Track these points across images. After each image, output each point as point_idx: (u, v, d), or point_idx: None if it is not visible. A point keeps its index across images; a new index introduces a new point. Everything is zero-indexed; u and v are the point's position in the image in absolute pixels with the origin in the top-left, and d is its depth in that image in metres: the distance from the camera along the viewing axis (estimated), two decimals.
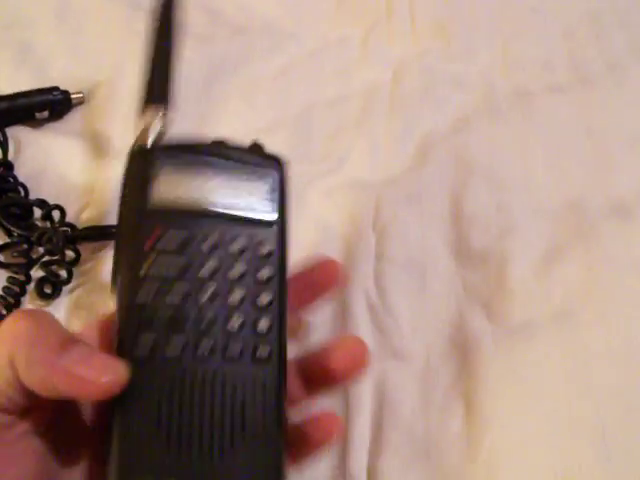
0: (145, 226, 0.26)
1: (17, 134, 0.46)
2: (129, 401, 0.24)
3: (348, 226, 0.44)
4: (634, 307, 0.42)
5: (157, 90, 0.32)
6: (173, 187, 0.27)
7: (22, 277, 0.40)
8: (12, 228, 0.41)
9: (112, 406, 0.24)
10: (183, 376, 0.25)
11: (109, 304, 0.27)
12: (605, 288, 0.42)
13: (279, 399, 0.26)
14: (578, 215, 0.45)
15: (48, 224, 0.42)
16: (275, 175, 0.29)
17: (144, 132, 0.30)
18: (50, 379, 0.23)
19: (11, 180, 0.43)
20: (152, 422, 0.24)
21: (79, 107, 0.48)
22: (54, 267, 0.41)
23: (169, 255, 0.26)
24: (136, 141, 0.30)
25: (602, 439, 0.37)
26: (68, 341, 0.24)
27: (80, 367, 0.23)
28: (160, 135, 0.31)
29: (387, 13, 0.54)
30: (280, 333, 0.27)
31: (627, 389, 0.39)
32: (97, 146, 0.46)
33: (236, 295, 0.26)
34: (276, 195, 0.28)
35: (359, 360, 0.29)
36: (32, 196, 0.43)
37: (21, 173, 0.44)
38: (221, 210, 0.27)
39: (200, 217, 0.27)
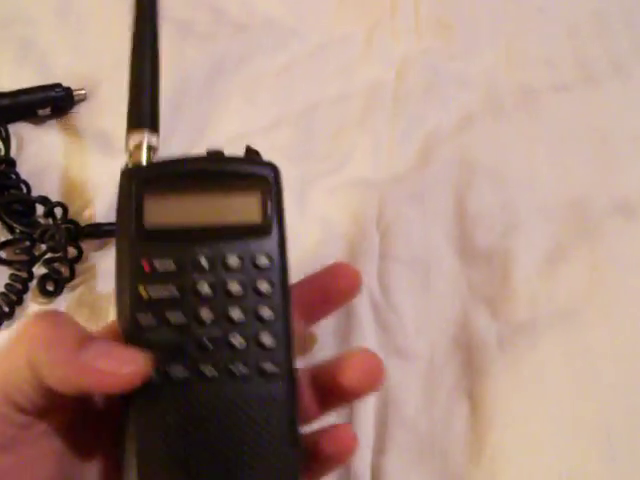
0: (140, 248, 0.26)
1: (19, 131, 0.46)
2: (142, 422, 0.25)
3: (352, 225, 0.44)
4: (639, 307, 0.41)
5: (142, 112, 0.32)
6: (166, 207, 0.27)
7: (24, 274, 0.40)
8: (14, 225, 0.41)
9: (126, 419, 0.25)
10: (192, 399, 0.25)
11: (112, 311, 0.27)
12: (610, 287, 0.42)
13: (292, 415, 0.26)
14: (583, 214, 0.44)
15: (50, 221, 0.42)
16: (269, 183, 0.28)
17: (135, 153, 0.30)
18: (71, 376, 0.23)
19: (13, 177, 0.43)
20: (166, 448, 0.24)
21: (81, 104, 0.47)
22: (56, 264, 0.41)
23: (167, 275, 0.26)
24: (126, 163, 0.30)
25: (607, 439, 0.37)
26: (86, 339, 0.24)
27: (100, 361, 0.23)
28: (151, 154, 0.31)
29: (391, 11, 0.53)
30: (287, 345, 0.27)
31: (632, 389, 0.39)
32: (100, 143, 0.46)
33: (238, 310, 0.26)
34: (272, 203, 0.28)
35: (375, 376, 0.28)
36: (34, 193, 0.43)
37: (23, 170, 0.44)
38: (216, 225, 0.27)
39: (195, 234, 0.27)
